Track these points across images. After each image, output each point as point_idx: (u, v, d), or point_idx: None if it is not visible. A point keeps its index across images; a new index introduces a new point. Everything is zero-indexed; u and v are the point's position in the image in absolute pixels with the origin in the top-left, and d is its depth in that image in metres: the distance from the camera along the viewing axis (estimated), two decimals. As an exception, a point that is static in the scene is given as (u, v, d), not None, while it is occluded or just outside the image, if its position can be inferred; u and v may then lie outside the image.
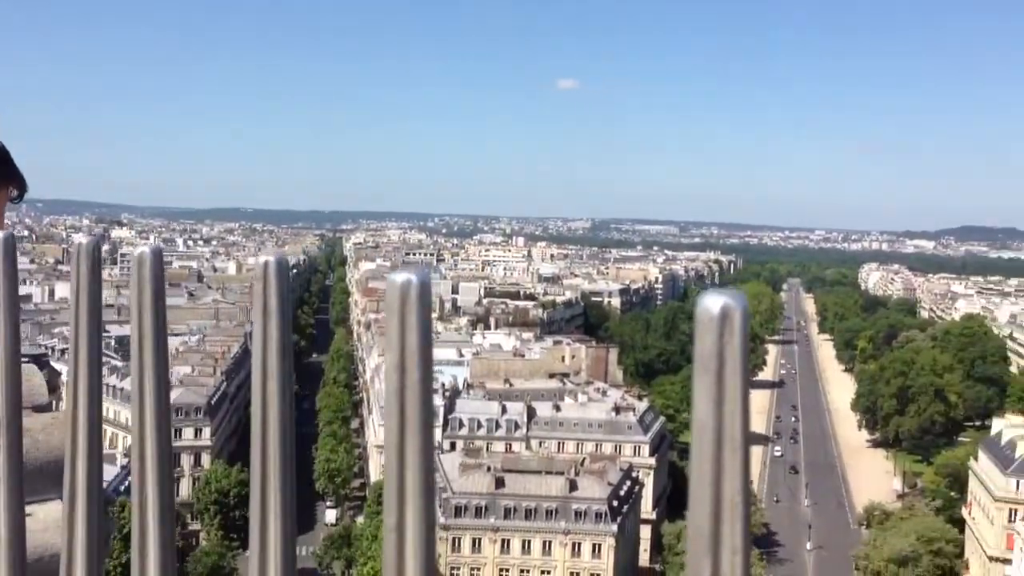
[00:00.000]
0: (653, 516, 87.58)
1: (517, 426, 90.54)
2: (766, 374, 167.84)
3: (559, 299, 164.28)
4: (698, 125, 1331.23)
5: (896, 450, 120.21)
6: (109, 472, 52.00)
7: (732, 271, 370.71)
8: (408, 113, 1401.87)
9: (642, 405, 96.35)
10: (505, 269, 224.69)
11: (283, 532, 1.24)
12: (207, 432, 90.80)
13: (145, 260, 1.40)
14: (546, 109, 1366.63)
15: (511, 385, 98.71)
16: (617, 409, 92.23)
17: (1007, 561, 78.18)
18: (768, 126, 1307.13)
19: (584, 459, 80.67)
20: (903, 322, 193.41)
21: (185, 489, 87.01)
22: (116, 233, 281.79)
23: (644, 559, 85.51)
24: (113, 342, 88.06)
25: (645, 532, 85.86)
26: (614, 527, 73.26)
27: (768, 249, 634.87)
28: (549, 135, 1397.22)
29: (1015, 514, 79.31)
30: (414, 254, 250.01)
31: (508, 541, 73.53)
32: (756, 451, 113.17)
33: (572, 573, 73.76)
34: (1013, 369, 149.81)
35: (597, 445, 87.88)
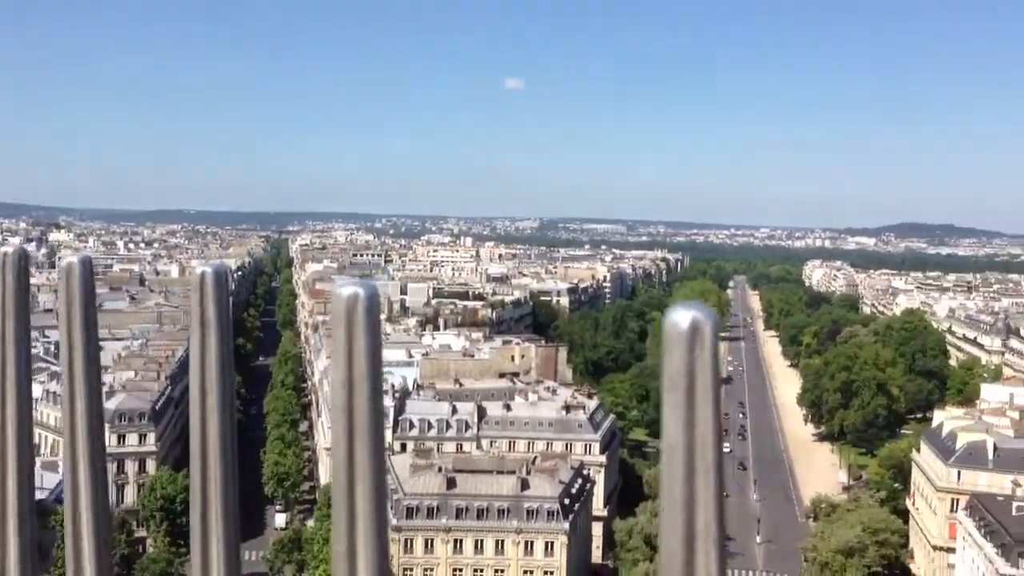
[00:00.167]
0: (605, 513, 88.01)
1: (468, 426, 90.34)
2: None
3: (508, 299, 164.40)
4: (645, 125, 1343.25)
5: (841, 443, 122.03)
6: (52, 480, 50.79)
7: (679, 269, 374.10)
8: (352, 113, 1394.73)
9: (592, 403, 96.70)
10: (453, 269, 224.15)
11: (226, 541, 1.22)
12: (151, 438, 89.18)
13: (74, 270, 1.37)
14: (493, 109, 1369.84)
15: (461, 385, 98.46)
16: (567, 408, 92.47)
17: (951, 550, 79.68)
18: (713, 126, 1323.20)
19: (535, 458, 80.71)
20: (846, 317, 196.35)
21: (130, 496, 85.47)
22: (54, 236, 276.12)
23: (596, 556, 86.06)
24: (53, 347, 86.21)
25: (597, 529, 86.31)
26: (566, 525, 73.44)
27: (714, 247, 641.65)
28: (496, 135, 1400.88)
29: (957, 504, 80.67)
30: (361, 255, 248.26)
31: (461, 541, 73.36)
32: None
33: (525, 571, 73.83)
34: (952, 362, 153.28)
35: (548, 444, 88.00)
